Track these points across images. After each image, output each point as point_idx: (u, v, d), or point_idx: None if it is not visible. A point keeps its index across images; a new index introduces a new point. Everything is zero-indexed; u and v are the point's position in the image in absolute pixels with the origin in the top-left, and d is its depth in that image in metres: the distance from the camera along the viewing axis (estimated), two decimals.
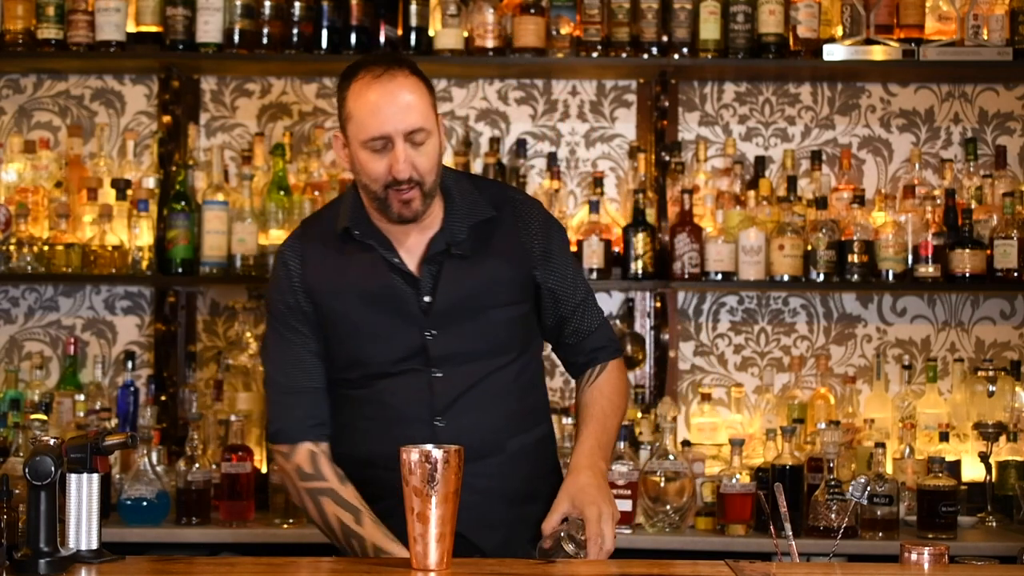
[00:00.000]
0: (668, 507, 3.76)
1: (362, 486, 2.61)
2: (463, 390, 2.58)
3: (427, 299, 2.58)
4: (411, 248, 2.61)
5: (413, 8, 4.17)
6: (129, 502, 3.71)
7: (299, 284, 2.62)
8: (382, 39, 4.15)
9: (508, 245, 2.64)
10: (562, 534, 2.45)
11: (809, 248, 4.10)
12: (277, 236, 4.10)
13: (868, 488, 2.34)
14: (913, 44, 4.11)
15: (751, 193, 4.21)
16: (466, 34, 4.21)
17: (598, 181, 4.26)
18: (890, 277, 4.09)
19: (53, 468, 2.13)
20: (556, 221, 2.75)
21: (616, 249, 4.19)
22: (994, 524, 3.88)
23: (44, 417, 3.74)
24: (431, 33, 4.21)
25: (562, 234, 2.75)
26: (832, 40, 4.15)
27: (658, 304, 4.22)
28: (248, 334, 4.29)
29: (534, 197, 2.82)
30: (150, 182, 4.19)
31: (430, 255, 2.60)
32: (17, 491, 2.55)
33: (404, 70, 2.50)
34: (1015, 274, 4.04)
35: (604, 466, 2.61)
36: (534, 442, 2.69)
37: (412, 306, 2.58)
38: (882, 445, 3.85)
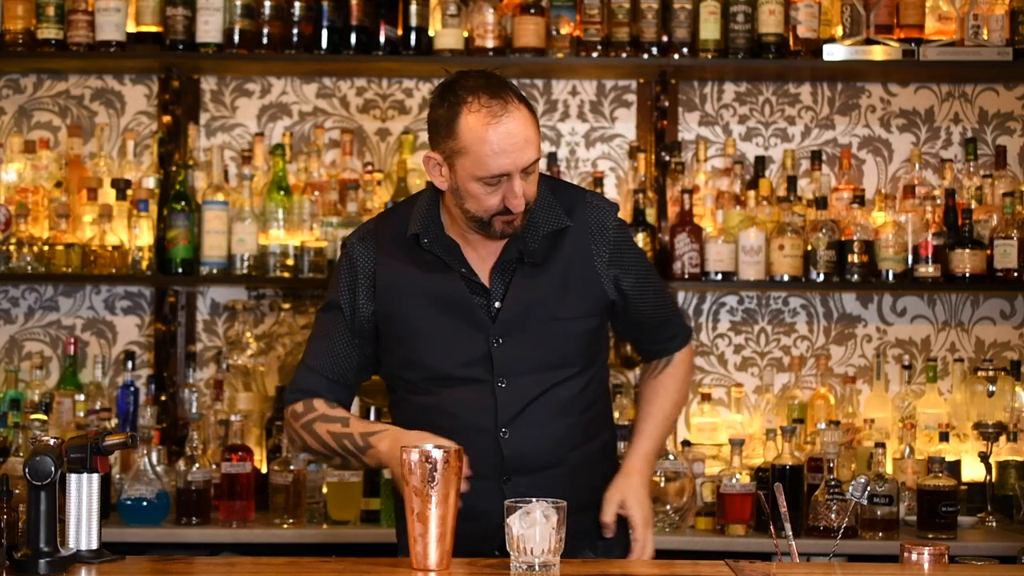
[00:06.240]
0: (668, 507, 3.76)
1: None
2: (527, 402, 2.57)
3: (497, 304, 2.58)
4: (484, 256, 2.61)
5: (413, 8, 4.17)
6: (129, 502, 3.71)
7: (364, 282, 2.63)
8: (382, 39, 4.15)
9: (579, 255, 2.63)
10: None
11: (809, 248, 4.10)
12: (277, 236, 4.11)
13: (868, 488, 2.34)
14: (913, 44, 4.10)
15: (751, 193, 4.21)
16: (466, 34, 4.21)
17: (598, 181, 4.26)
18: (890, 277, 4.08)
19: (53, 468, 2.13)
20: (626, 226, 2.75)
21: None
22: (994, 524, 3.88)
23: (44, 417, 3.74)
24: (431, 33, 4.20)
25: (631, 238, 2.76)
26: (832, 40, 4.15)
27: None
28: (248, 334, 4.29)
29: (612, 201, 2.79)
30: (150, 182, 4.19)
31: (502, 262, 2.60)
32: (17, 491, 2.55)
33: (515, 101, 2.47)
34: (1015, 274, 4.03)
35: (651, 472, 2.74)
36: (595, 452, 2.69)
37: (481, 313, 2.58)
38: (882, 445, 3.85)
